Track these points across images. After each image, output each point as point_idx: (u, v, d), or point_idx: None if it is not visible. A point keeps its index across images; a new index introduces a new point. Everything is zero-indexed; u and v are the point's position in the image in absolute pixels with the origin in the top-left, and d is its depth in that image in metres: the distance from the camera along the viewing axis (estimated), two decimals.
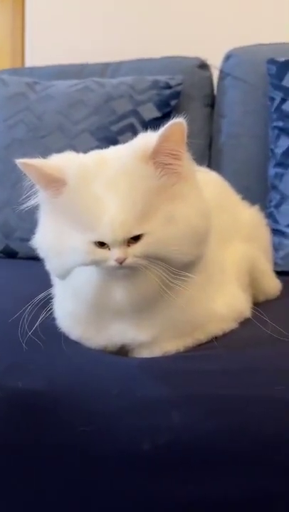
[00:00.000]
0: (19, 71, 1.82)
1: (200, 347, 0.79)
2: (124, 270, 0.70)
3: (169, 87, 1.51)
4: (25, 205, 0.75)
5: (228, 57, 1.58)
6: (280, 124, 1.38)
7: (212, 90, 1.61)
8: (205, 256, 0.76)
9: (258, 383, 0.68)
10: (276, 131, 1.39)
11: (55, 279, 0.82)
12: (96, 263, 0.70)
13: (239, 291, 0.88)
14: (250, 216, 1.05)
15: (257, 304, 0.92)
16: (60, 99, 1.53)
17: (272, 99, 1.41)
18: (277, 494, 0.61)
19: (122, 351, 0.78)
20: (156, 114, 1.48)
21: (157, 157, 0.71)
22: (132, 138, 0.78)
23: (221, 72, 1.59)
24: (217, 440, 0.62)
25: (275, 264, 1.18)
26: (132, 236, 0.69)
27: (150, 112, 1.48)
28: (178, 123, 0.69)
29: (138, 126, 1.46)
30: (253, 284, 0.95)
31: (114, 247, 0.69)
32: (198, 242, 0.73)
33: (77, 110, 1.51)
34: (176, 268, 0.70)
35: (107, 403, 0.66)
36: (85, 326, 0.78)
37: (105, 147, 0.81)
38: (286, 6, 1.73)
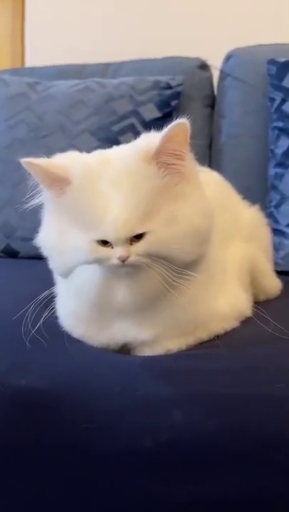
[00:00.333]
0: (20, 71, 1.82)
1: (202, 345, 0.79)
2: (126, 268, 0.70)
3: (169, 87, 1.51)
4: (28, 204, 0.76)
5: (228, 58, 1.58)
6: (280, 124, 1.38)
7: (212, 91, 1.61)
8: (207, 255, 0.76)
9: (259, 382, 0.68)
10: (276, 132, 1.39)
11: (57, 278, 0.83)
12: (99, 261, 0.71)
13: (240, 291, 0.88)
14: (250, 216, 1.06)
15: (257, 304, 0.92)
16: (61, 99, 1.53)
17: (273, 99, 1.41)
18: (277, 494, 0.61)
19: (124, 350, 0.79)
20: (157, 114, 1.48)
21: (160, 157, 0.71)
22: (132, 138, 0.78)
23: (222, 72, 1.59)
24: (218, 439, 0.62)
25: (276, 264, 1.18)
26: (134, 234, 0.69)
27: (151, 112, 1.48)
28: (181, 123, 0.70)
29: (139, 126, 1.46)
30: (253, 283, 0.96)
31: (117, 246, 0.69)
32: (200, 241, 0.73)
33: (78, 110, 1.51)
34: (179, 267, 0.71)
35: (108, 401, 0.66)
36: (87, 325, 0.78)
37: (106, 147, 0.81)
38: (286, 6, 1.73)
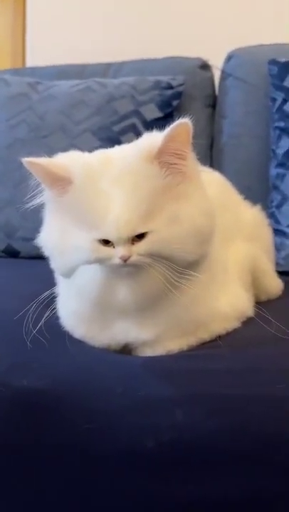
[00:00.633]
0: (21, 71, 1.82)
1: (203, 346, 0.79)
2: (128, 268, 0.70)
3: (170, 87, 1.51)
4: (30, 204, 0.76)
5: (229, 58, 1.58)
6: (282, 124, 1.38)
7: (213, 91, 1.61)
8: (209, 255, 0.76)
9: (260, 382, 0.68)
10: (277, 132, 1.39)
11: (58, 278, 0.83)
12: (100, 261, 0.71)
13: (242, 291, 0.88)
14: (252, 216, 1.06)
15: (259, 304, 0.92)
16: (62, 99, 1.53)
17: (274, 99, 1.41)
18: (277, 494, 0.61)
19: (126, 350, 0.79)
20: (158, 114, 1.48)
21: (162, 157, 0.71)
22: (133, 138, 0.78)
23: (223, 72, 1.59)
24: (218, 439, 0.62)
25: (277, 264, 1.19)
26: (136, 234, 0.69)
27: (152, 112, 1.48)
28: (183, 123, 0.70)
29: (140, 126, 1.46)
30: (254, 283, 0.96)
31: (118, 245, 0.69)
32: (202, 241, 0.73)
33: (79, 110, 1.51)
34: (180, 267, 0.71)
35: (109, 402, 0.66)
36: (88, 325, 0.78)
37: (107, 147, 0.81)
38: (287, 6, 1.73)
